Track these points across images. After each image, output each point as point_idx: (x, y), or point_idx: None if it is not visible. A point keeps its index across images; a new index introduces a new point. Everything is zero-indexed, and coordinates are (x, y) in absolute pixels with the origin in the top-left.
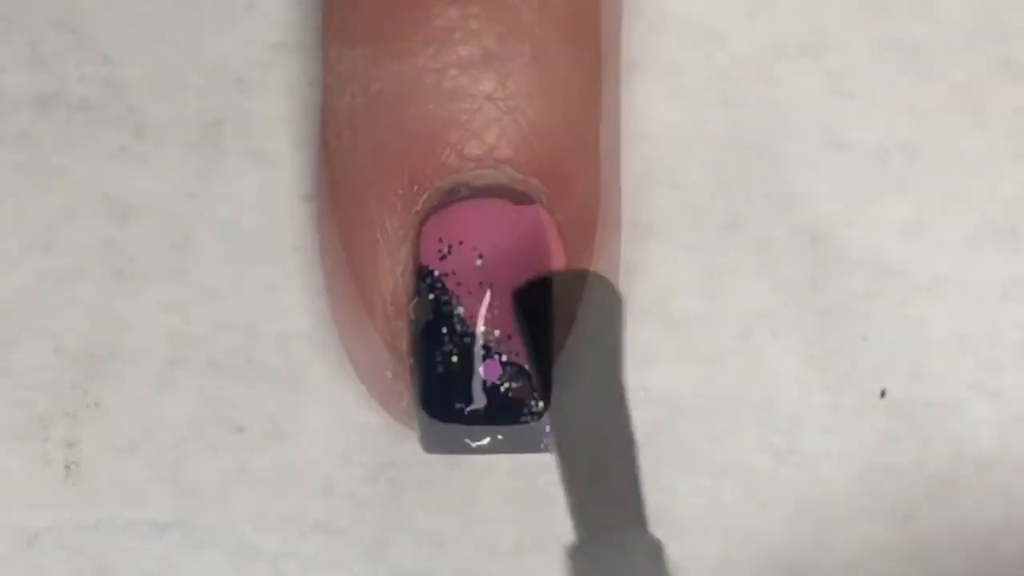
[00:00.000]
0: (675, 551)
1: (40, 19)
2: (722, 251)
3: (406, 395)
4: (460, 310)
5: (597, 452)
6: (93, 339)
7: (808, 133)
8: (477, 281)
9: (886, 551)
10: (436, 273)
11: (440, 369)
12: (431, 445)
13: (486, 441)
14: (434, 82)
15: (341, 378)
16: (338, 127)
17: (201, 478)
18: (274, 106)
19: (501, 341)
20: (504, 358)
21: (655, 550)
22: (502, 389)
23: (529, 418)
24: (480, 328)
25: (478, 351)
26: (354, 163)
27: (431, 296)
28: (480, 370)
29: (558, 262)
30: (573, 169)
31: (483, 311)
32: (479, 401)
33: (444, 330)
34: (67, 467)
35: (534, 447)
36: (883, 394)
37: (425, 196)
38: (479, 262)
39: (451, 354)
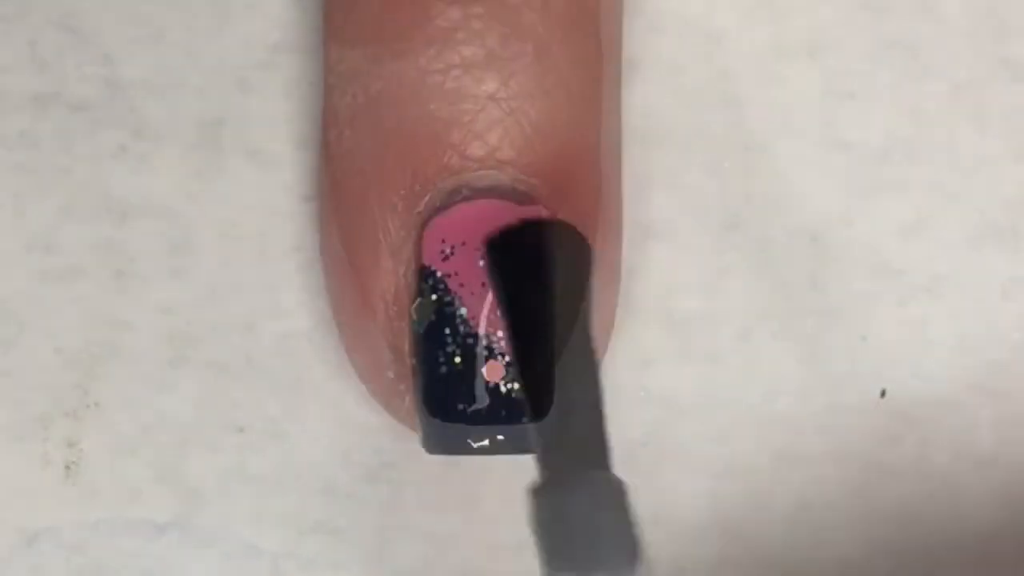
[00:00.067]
0: (675, 551)
1: (40, 19)
2: (722, 251)
3: (407, 395)
4: (463, 311)
5: (563, 398)
6: (93, 339)
7: (808, 133)
8: (480, 282)
9: (886, 551)
10: (439, 274)
11: (443, 370)
12: (432, 445)
13: (487, 442)
14: (436, 82)
15: (341, 378)
16: (339, 127)
17: (201, 478)
18: (274, 106)
19: (504, 341)
20: (506, 359)
21: (618, 487)
22: (504, 390)
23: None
24: (483, 329)
25: (481, 352)
26: (355, 163)
27: (433, 297)
28: (483, 371)
29: None
30: (574, 169)
31: (486, 312)
32: (481, 401)
33: (447, 331)
34: (67, 467)
35: (535, 448)
36: (883, 394)
37: (427, 197)
38: (482, 263)
39: (454, 355)
